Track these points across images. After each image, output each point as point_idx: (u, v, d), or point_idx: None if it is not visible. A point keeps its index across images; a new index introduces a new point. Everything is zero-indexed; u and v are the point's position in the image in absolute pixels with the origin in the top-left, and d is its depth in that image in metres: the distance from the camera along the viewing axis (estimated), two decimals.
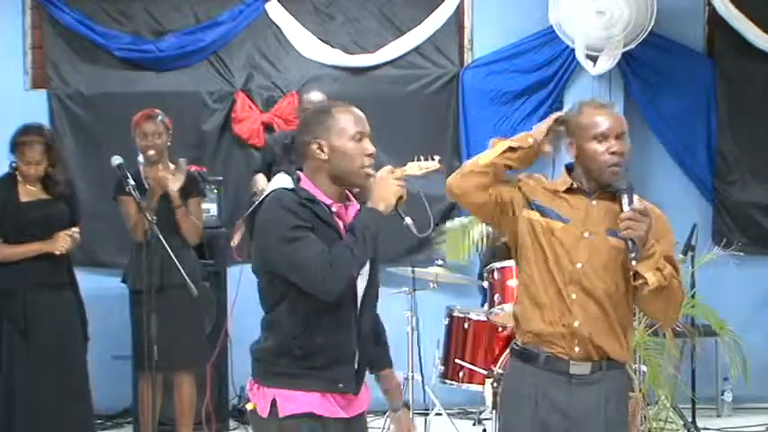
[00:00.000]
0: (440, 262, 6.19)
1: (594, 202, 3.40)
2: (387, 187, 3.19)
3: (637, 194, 3.34)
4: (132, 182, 5.17)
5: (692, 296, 5.74)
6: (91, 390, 5.45)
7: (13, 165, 5.31)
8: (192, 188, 5.72)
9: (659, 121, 7.16)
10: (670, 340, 5.47)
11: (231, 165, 7.12)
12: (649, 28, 6.73)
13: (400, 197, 3.21)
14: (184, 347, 5.60)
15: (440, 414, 6.08)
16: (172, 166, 5.71)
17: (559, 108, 7.04)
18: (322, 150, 3.21)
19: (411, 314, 5.92)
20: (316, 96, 6.28)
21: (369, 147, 3.23)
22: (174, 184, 5.54)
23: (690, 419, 6.18)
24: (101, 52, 7.13)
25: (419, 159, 6.09)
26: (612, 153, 3.39)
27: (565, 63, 7.00)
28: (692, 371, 6.33)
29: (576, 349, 3.35)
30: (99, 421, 6.37)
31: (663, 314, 3.43)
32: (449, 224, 6.41)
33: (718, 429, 6.61)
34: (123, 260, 5.92)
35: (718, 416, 6.91)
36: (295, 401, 3.18)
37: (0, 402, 5.20)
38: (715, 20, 7.18)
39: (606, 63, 6.85)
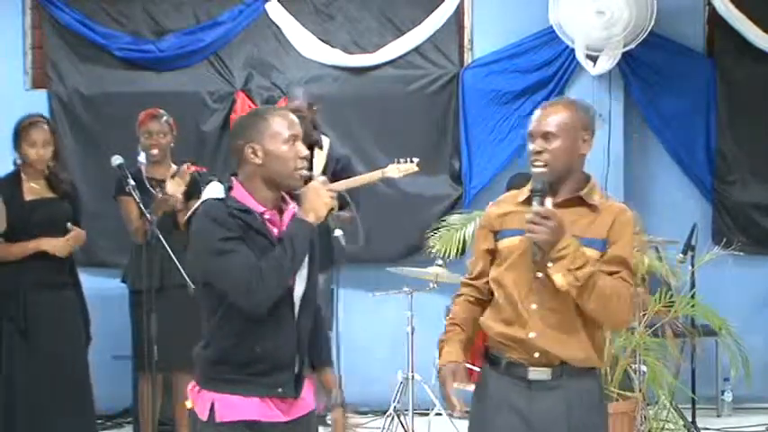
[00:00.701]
0: (439, 262, 6.18)
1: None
2: (318, 198, 3.22)
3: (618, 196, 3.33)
4: (132, 182, 5.18)
5: (692, 296, 5.74)
6: (92, 392, 5.45)
7: (17, 161, 5.31)
8: (193, 191, 5.72)
9: (659, 121, 7.16)
10: (670, 340, 5.47)
11: (231, 165, 7.09)
12: (649, 28, 6.72)
13: (331, 209, 3.26)
14: (184, 348, 5.57)
15: (440, 414, 6.08)
16: (174, 166, 5.72)
17: None
18: (256, 154, 3.24)
19: (410, 314, 5.93)
20: (297, 92, 6.27)
21: (302, 149, 3.26)
22: (177, 189, 5.53)
23: (690, 419, 6.18)
24: (101, 52, 7.13)
25: (398, 162, 6.12)
26: (533, 152, 3.37)
27: (565, 63, 6.99)
28: (692, 371, 6.33)
29: (536, 355, 3.33)
30: (99, 421, 6.35)
31: (599, 315, 3.29)
32: (447, 220, 6.38)
33: (718, 429, 6.61)
34: (123, 260, 5.92)
35: (718, 416, 6.91)
36: (233, 408, 3.20)
37: (1, 402, 5.20)
38: (715, 20, 7.18)
39: (606, 63, 6.85)
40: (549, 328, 3.31)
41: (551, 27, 6.87)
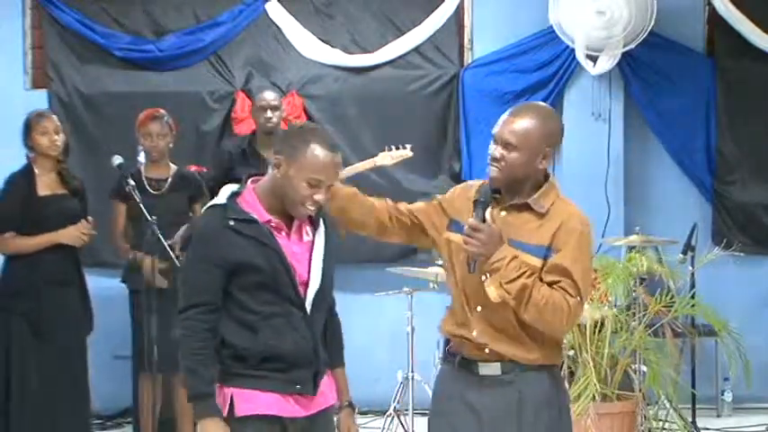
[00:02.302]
0: (440, 262, 6.17)
1: (503, 213, 3.33)
2: None
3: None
4: (132, 182, 5.19)
5: (692, 296, 5.74)
6: (90, 390, 5.47)
7: (29, 155, 5.33)
8: (196, 193, 5.74)
9: (659, 121, 7.16)
10: (670, 340, 5.48)
11: None
12: (649, 28, 6.73)
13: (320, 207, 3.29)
14: None
15: None
16: (173, 166, 5.73)
17: (560, 108, 7.07)
18: (279, 167, 3.23)
19: (410, 314, 5.93)
20: (269, 95, 6.24)
21: (320, 197, 3.22)
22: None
23: (690, 419, 6.18)
24: (101, 52, 7.12)
25: (390, 149, 6.11)
26: (490, 155, 3.32)
27: (565, 63, 6.99)
28: (692, 371, 6.32)
29: (486, 351, 3.32)
30: (99, 421, 6.37)
31: (535, 324, 3.24)
32: None
33: (718, 429, 6.60)
34: (123, 260, 5.92)
35: (718, 416, 6.90)
36: (252, 402, 3.22)
37: (3, 397, 5.23)
38: (715, 20, 7.18)
39: (606, 63, 6.85)
40: (493, 327, 3.30)
41: (551, 27, 6.87)
